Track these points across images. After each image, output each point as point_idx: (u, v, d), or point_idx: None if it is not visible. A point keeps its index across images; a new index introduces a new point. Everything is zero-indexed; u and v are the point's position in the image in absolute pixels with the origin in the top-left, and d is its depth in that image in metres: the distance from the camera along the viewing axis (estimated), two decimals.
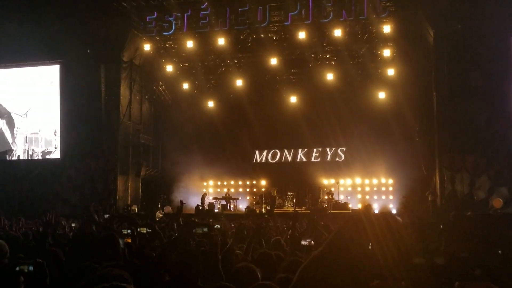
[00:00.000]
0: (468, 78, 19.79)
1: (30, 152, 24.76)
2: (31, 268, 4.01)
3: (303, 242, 7.16)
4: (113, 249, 5.22)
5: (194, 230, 4.42)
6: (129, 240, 7.19)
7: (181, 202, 8.43)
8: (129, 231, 7.03)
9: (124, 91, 24.06)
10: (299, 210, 23.18)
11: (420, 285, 1.03)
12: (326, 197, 25.39)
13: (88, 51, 23.09)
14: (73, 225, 12.64)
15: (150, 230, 6.16)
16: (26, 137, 24.84)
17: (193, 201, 24.59)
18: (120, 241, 5.08)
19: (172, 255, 4.24)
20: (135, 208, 23.31)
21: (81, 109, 23.18)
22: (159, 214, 22.48)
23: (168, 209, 23.07)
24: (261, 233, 7.65)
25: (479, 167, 20.35)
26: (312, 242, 6.68)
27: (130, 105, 24.68)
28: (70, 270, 4.42)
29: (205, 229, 4.46)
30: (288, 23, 22.20)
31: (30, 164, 24.36)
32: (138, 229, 6.38)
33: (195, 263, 4.20)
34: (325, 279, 1.08)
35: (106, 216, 14.07)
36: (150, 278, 4.13)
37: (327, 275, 1.08)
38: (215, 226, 12.33)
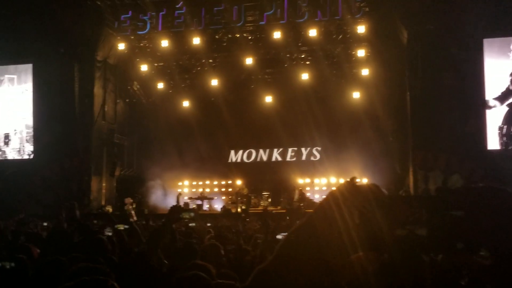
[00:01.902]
0: (441, 78, 20.06)
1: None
2: (12, 264, 3.98)
3: (279, 237, 7.20)
4: (95, 248, 5.18)
5: (181, 215, 4.42)
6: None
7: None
8: (109, 232, 6.98)
9: (98, 90, 23.76)
10: (272, 209, 23.43)
11: (402, 256, 1.05)
12: (298, 197, 25.68)
13: (62, 50, 22.78)
14: (45, 224, 12.48)
15: (127, 227, 6.12)
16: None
17: (169, 201, 24.49)
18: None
19: (157, 249, 4.23)
20: (109, 208, 23.07)
21: (54, 109, 22.83)
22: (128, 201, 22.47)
23: (128, 200, 23.03)
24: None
25: (452, 165, 20.63)
26: None
27: (104, 104, 24.40)
28: (46, 266, 4.38)
29: (192, 214, 4.49)
30: (264, 23, 22.23)
31: (2, 164, 23.93)
32: (115, 226, 6.34)
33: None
34: (308, 250, 1.08)
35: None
36: (134, 274, 4.10)
37: (310, 246, 1.09)
38: (190, 224, 12.35)
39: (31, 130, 23.81)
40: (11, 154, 24.17)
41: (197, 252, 5.02)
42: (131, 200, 23.23)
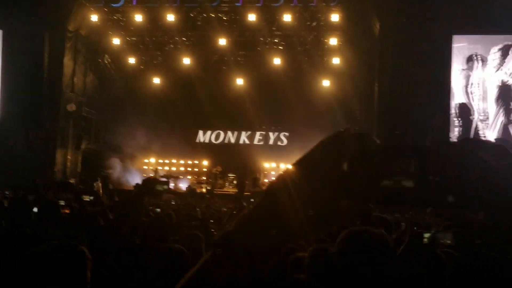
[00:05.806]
0: (410, 71, 20.24)
1: None
2: None
3: None
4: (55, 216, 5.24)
5: (156, 187, 4.45)
6: (67, 211, 7.16)
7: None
8: (63, 202, 6.98)
9: (68, 61, 23.42)
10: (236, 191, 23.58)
11: (389, 207, 1.08)
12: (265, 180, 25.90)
13: (32, 18, 22.32)
14: (6, 193, 12.37)
15: (92, 198, 6.18)
16: None
17: (134, 178, 24.44)
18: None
19: (128, 221, 4.27)
20: (73, 181, 22.90)
21: (22, 77, 22.42)
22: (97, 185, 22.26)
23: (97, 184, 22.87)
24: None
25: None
26: None
27: (74, 76, 24.10)
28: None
29: (165, 187, 4.53)
30: (240, 4, 22.21)
31: None
32: (81, 197, 6.39)
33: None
34: (295, 193, 1.08)
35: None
36: (107, 241, 4.14)
37: (297, 190, 1.09)
38: (156, 210, 12.35)
39: None
40: None
41: (168, 227, 5.10)
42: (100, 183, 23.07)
